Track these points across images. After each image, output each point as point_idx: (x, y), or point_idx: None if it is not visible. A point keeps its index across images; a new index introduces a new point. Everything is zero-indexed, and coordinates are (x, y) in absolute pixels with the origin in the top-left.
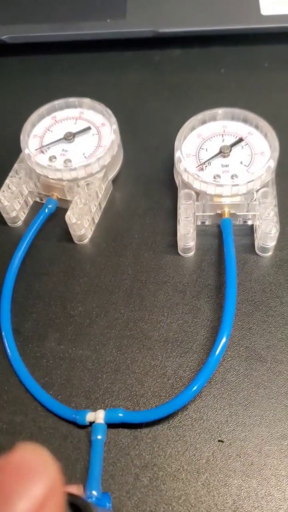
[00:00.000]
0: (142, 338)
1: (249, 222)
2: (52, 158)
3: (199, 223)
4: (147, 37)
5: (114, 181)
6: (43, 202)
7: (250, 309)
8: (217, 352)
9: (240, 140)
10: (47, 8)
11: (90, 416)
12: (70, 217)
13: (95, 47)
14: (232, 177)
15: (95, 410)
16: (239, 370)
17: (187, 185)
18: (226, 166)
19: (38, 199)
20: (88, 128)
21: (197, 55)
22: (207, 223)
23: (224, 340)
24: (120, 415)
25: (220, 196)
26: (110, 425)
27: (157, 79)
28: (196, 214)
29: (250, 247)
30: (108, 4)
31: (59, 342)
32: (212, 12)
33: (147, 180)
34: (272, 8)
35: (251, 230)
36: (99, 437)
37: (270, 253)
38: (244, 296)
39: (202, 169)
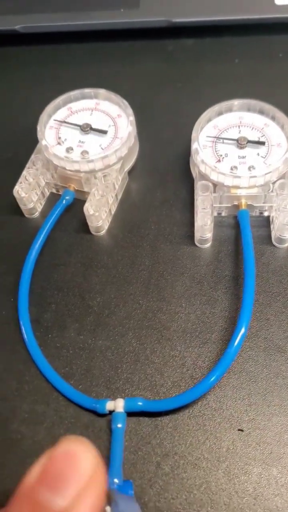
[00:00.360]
0: (161, 329)
1: (266, 213)
2: (69, 150)
3: (215, 214)
4: (161, 27)
5: (130, 172)
6: (60, 193)
7: (268, 300)
8: (236, 342)
9: (261, 143)
10: None
11: (110, 405)
12: (88, 208)
13: (108, 37)
14: (249, 168)
15: (115, 399)
16: (258, 360)
17: (204, 177)
18: (243, 157)
19: (54, 191)
20: (105, 132)
21: (210, 45)
22: (223, 214)
23: (242, 330)
24: (140, 403)
25: (237, 187)
26: (131, 414)
27: (170, 69)
28: (213, 205)
29: (267, 238)
30: None
31: (79, 332)
32: (226, 1)
33: (163, 171)
34: None
35: (267, 221)
36: (119, 425)
37: (287, 244)
38: (262, 287)
39: (219, 161)
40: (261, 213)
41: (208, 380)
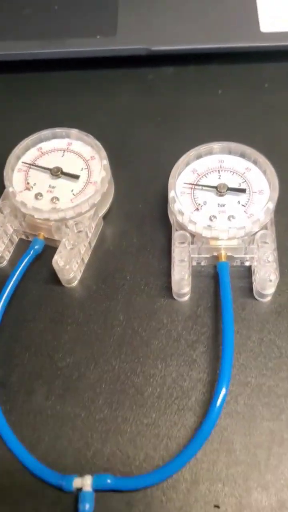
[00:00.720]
0: (134, 394)
1: (247, 263)
2: (38, 196)
3: (194, 263)
4: (139, 55)
5: (105, 216)
6: (29, 239)
7: (249, 360)
8: (215, 409)
9: (241, 190)
10: (31, 23)
11: (77, 482)
12: (58, 261)
13: (83, 66)
14: (229, 218)
15: (84, 474)
16: (237, 429)
17: (181, 226)
18: (223, 206)
19: (24, 237)
20: (77, 177)
21: (192, 74)
22: (203, 263)
23: (222, 395)
24: (109, 481)
25: (216, 239)
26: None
27: (149, 101)
28: (191, 255)
29: (248, 291)
30: (98, 19)
31: (47, 397)
32: (208, 29)
33: (140, 215)
34: (272, 24)
35: (249, 271)
36: (86, 506)
37: (269, 298)
38: (242, 347)
39: (197, 209)
40: (242, 263)
41: (184, 456)
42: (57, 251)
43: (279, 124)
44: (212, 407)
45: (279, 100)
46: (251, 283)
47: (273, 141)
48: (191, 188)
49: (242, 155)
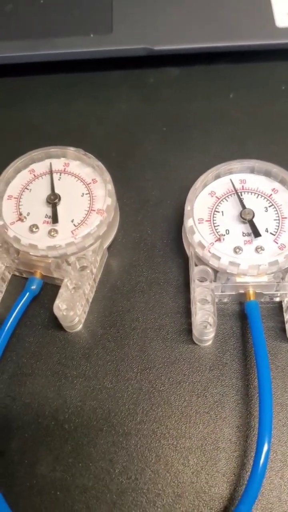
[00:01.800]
0: (156, 461)
1: (277, 299)
2: (33, 228)
3: (216, 300)
4: (139, 56)
5: (110, 245)
6: (23, 276)
7: None
8: (257, 478)
9: (256, 234)
10: (14, 21)
11: None
12: (60, 306)
13: (76, 68)
14: (257, 249)
15: None
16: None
17: (201, 260)
18: (249, 235)
19: (17, 273)
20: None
21: (199, 76)
22: (226, 300)
23: (262, 463)
24: None
25: (243, 275)
26: None
27: (152, 108)
28: (215, 294)
29: (280, 331)
30: (91, 15)
31: (53, 467)
32: (216, 24)
33: (149, 243)
34: None
35: (280, 309)
36: None
37: None
38: (280, 399)
39: (219, 240)
40: (271, 298)
41: None
42: (58, 293)
43: None
44: (253, 477)
45: None
46: (283, 322)
47: None
48: (210, 214)
49: (267, 174)
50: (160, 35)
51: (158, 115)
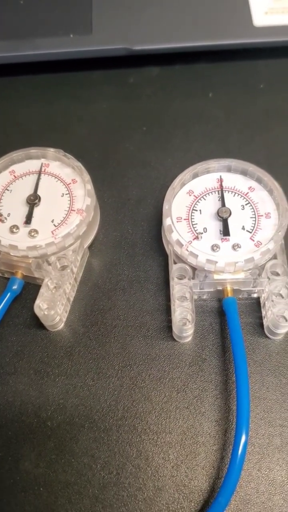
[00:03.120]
0: (137, 455)
1: (255, 295)
2: (13, 229)
3: (195, 297)
4: (119, 56)
5: (90, 245)
6: (5, 277)
7: (267, 411)
8: (235, 471)
9: (226, 232)
10: None
11: None
12: (41, 306)
13: (55, 68)
14: (233, 247)
15: None
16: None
17: (180, 258)
18: None
19: None
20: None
21: (179, 75)
22: (204, 297)
23: (239, 456)
24: None
25: (220, 272)
26: None
27: (132, 108)
28: (193, 291)
29: (258, 327)
30: (70, 15)
31: (36, 464)
32: (195, 24)
33: (130, 241)
34: (266, 18)
35: (257, 305)
36: None
37: (282, 336)
38: (258, 393)
39: (197, 238)
40: (249, 294)
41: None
42: (39, 293)
43: (280, 132)
44: (231, 469)
45: (278, 103)
46: (260, 318)
47: (275, 152)
48: (188, 212)
49: (244, 173)
50: (139, 35)
51: (139, 114)
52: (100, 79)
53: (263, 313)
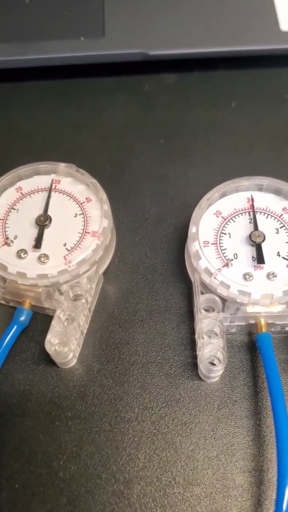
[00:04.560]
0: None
1: None
2: (21, 253)
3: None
4: (134, 61)
5: (105, 271)
6: (11, 305)
7: None
8: None
9: (260, 260)
10: (0, 24)
11: None
12: (52, 341)
13: (64, 74)
14: (268, 276)
15: None
16: None
17: (207, 288)
18: None
19: (3, 302)
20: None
21: (198, 83)
22: (233, 330)
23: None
24: None
25: (254, 304)
26: None
27: (148, 117)
28: (223, 325)
29: None
30: (81, 17)
31: None
32: (216, 28)
33: (148, 266)
34: None
35: None
36: None
37: None
38: None
39: (226, 265)
40: (283, 328)
41: None
42: (50, 327)
43: None
44: None
45: None
46: None
47: None
48: (217, 236)
49: (277, 192)
50: (155, 39)
51: (155, 124)
52: (113, 86)
53: None
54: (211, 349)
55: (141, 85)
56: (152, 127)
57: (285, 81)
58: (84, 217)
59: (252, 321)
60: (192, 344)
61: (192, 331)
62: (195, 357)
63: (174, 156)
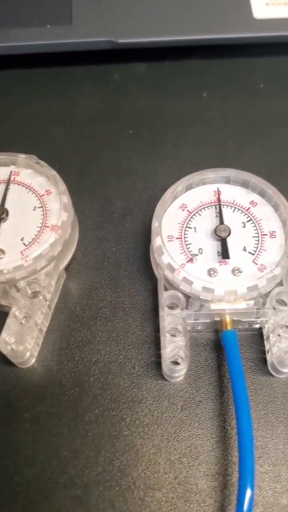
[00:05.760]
0: None
1: (257, 325)
2: None
3: (188, 328)
4: (103, 49)
5: (67, 266)
6: None
7: (272, 465)
8: None
9: (225, 255)
10: None
11: None
12: (7, 340)
13: (30, 63)
14: (233, 272)
15: None
16: None
17: (171, 284)
18: None
19: None
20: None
21: (169, 73)
22: (199, 328)
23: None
24: None
25: (219, 301)
26: None
27: (117, 108)
28: (187, 322)
29: (260, 362)
30: (47, 4)
31: None
32: (188, 16)
33: (113, 262)
34: (267, 10)
35: (260, 337)
36: None
37: (286, 375)
38: (261, 441)
39: (191, 260)
40: (250, 325)
41: None
42: (5, 325)
43: (283, 136)
44: None
45: (280, 104)
46: (263, 352)
47: (278, 160)
48: (181, 230)
49: (245, 185)
50: (125, 26)
51: (125, 115)
52: (81, 76)
53: (267, 347)
54: (173, 347)
55: (110, 74)
56: (121, 118)
57: (259, 71)
58: (43, 210)
59: (217, 319)
60: (156, 342)
61: (157, 329)
62: (159, 355)
63: (143, 148)
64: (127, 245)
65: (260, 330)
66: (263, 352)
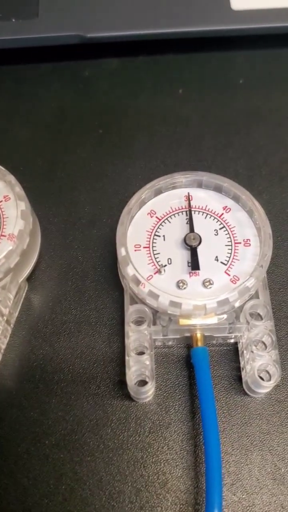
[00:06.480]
0: None
1: (231, 341)
2: None
3: (158, 343)
4: (71, 44)
5: (30, 277)
6: None
7: (244, 493)
8: None
9: (195, 266)
10: None
11: None
12: None
13: None
14: (204, 284)
15: None
16: None
17: (138, 297)
18: None
19: None
20: None
21: (143, 68)
22: (170, 343)
23: None
24: None
25: (188, 317)
26: None
27: (86, 106)
28: (154, 337)
29: (235, 381)
30: None
31: None
32: (162, 8)
33: (79, 272)
34: (246, 1)
35: (234, 352)
36: None
37: (262, 395)
38: (233, 467)
39: (159, 271)
40: (224, 340)
41: None
42: None
43: (262, 136)
44: None
45: (260, 101)
46: (238, 369)
47: (256, 161)
48: (149, 240)
49: (218, 189)
50: (94, 20)
51: (94, 114)
52: (48, 72)
53: (241, 363)
54: (139, 367)
55: (79, 71)
56: (90, 117)
57: (238, 66)
58: (1, 218)
59: (188, 334)
60: (123, 359)
61: (124, 346)
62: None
63: (114, 149)
64: (94, 254)
65: (235, 345)
66: (238, 370)
